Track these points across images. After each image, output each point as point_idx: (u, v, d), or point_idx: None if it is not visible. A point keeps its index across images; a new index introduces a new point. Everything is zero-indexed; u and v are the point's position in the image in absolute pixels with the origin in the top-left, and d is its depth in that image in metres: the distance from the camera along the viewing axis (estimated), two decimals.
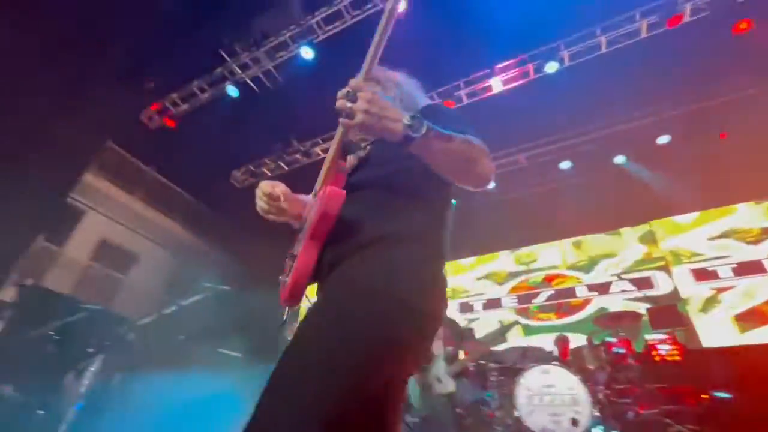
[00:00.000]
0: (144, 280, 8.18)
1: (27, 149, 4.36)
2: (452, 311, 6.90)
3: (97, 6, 4.35)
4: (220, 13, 4.88)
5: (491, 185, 1.09)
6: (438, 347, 3.42)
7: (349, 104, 0.90)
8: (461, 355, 3.69)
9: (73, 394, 3.15)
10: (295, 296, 1.07)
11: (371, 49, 1.01)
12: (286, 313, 1.16)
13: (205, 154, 6.39)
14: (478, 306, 6.72)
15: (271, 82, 5.61)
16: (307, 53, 5.20)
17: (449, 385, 3.27)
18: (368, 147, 1.26)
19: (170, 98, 5.99)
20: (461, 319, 6.71)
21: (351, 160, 1.24)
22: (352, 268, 0.99)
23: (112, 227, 8.16)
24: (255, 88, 5.69)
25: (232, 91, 5.70)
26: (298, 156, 6.77)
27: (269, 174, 7.13)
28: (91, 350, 3.34)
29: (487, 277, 6.94)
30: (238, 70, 5.54)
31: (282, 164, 7.00)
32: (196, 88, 5.82)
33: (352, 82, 0.93)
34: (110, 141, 7.34)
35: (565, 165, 6.46)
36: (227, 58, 5.45)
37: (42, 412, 3.07)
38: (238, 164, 7.37)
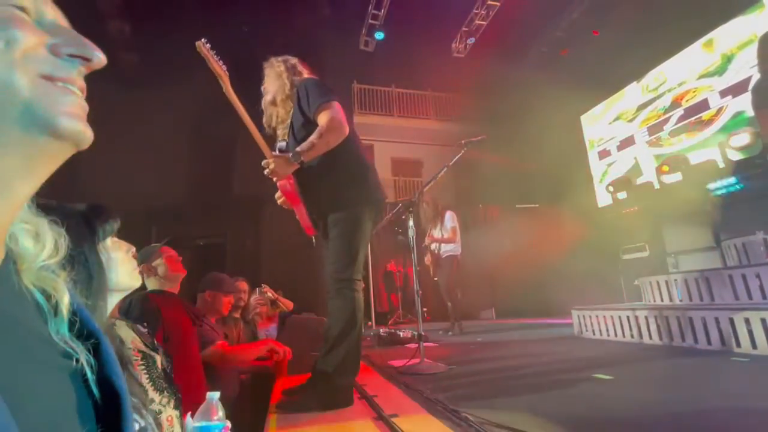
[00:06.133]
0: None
1: None
2: (593, 160, 7.28)
3: None
4: None
5: (345, 133, 1.69)
6: None
7: (266, 170, 1.68)
8: None
9: None
10: (310, 230, 1.94)
11: (255, 137, 1.73)
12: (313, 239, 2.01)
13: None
14: (612, 149, 6.85)
15: None
16: None
17: None
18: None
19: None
20: (601, 166, 7.08)
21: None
22: (327, 205, 1.81)
23: (394, 146, 9.76)
24: None
25: None
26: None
27: (484, 23, 7.90)
28: None
29: (617, 118, 6.75)
30: None
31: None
32: None
33: (263, 163, 1.66)
34: (354, 82, 9.15)
35: None
36: None
37: None
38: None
